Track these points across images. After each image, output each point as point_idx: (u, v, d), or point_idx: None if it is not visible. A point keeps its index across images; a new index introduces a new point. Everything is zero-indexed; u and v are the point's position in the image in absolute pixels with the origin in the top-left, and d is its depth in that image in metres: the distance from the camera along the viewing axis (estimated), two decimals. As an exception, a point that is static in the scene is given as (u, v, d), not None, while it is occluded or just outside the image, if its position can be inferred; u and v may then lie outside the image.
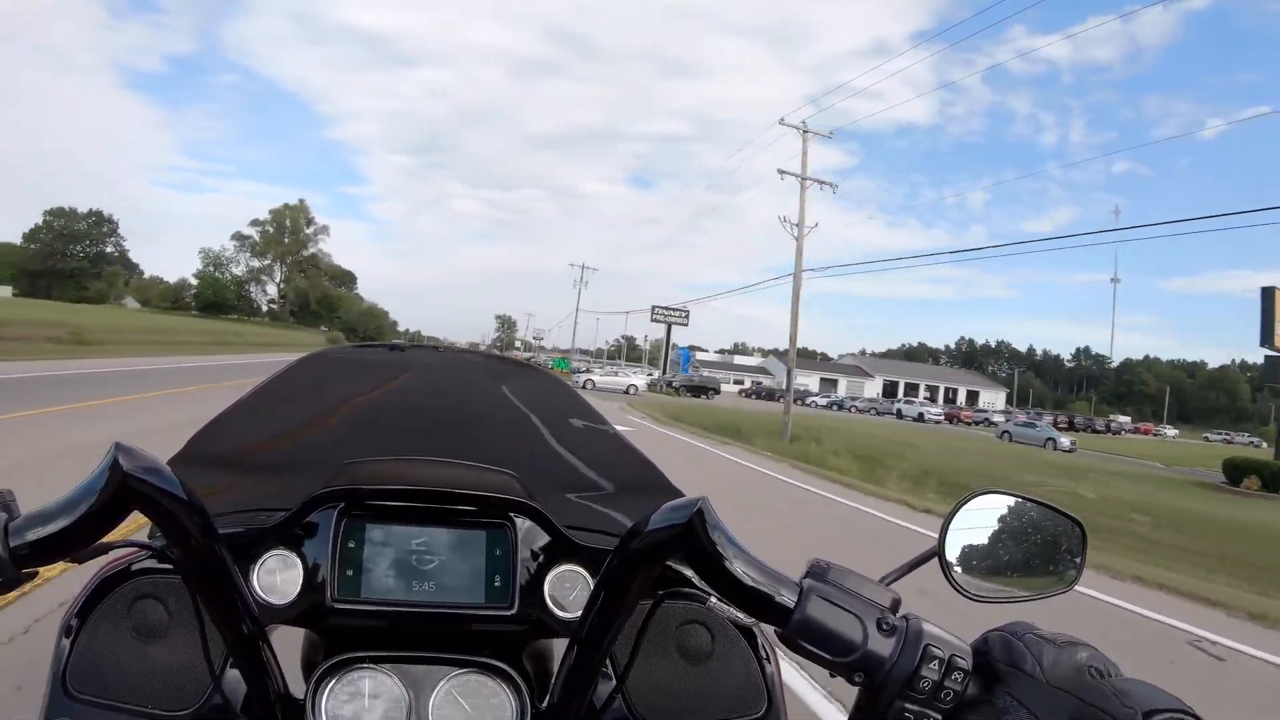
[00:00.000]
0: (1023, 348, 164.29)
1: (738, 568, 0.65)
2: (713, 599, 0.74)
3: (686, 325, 60.65)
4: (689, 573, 0.90)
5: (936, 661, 0.63)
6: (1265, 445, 46.85)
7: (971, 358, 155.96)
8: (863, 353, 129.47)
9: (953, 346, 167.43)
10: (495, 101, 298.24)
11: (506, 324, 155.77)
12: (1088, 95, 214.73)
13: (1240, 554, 10.99)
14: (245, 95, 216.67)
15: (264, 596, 0.85)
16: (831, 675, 0.66)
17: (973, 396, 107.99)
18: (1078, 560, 0.82)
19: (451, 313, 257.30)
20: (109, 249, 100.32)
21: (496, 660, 0.84)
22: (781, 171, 26.15)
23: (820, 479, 13.73)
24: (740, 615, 0.69)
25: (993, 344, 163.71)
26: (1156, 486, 23.95)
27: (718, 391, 58.64)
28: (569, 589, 0.92)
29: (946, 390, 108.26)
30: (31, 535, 0.59)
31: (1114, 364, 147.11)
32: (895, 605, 0.68)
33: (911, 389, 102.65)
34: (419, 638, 0.84)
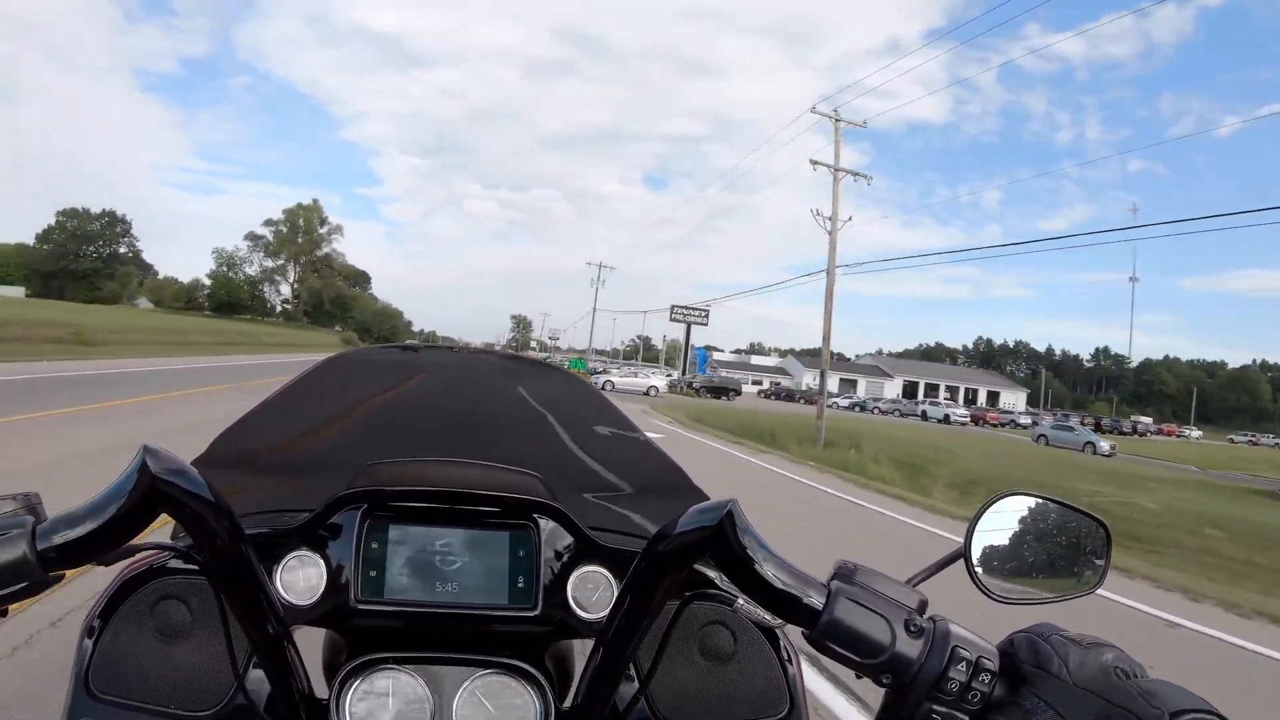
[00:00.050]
0: (1039, 346, 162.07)
1: (768, 571, 0.65)
2: (740, 601, 0.73)
3: (706, 325, 59.08)
4: (711, 573, 0.91)
5: (964, 663, 0.63)
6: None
7: (990, 358, 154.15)
8: (879, 352, 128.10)
9: (970, 346, 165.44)
10: (508, 102, 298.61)
11: (522, 324, 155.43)
12: (1103, 92, 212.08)
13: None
14: (259, 97, 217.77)
15: (287, 597, 0.84)
16: (858, 676, 0.67)
17: (993, 397, 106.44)
18: (1102, 561, 0.82)
19: (466, 313, 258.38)
20: (122, 249, 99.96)
21: (520, 661, 0.84)
22: (814, 162, 24.85)
23: (865, 490, 12.72)
24: (766, 616, 0.69)
25: (1010, 344, 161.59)
26: (1212, 494, 22.46)
27: (738, 393, 57.41)
28: (591, 590, 0.91)
29: (966, 391, 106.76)
30: (59, 538, 0.59)
31: (1133, 364, 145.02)
32: (922, 607, 0.68)
33: (931, 389, 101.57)
34: (441, 638, 0.84)
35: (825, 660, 0.66)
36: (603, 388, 41.35)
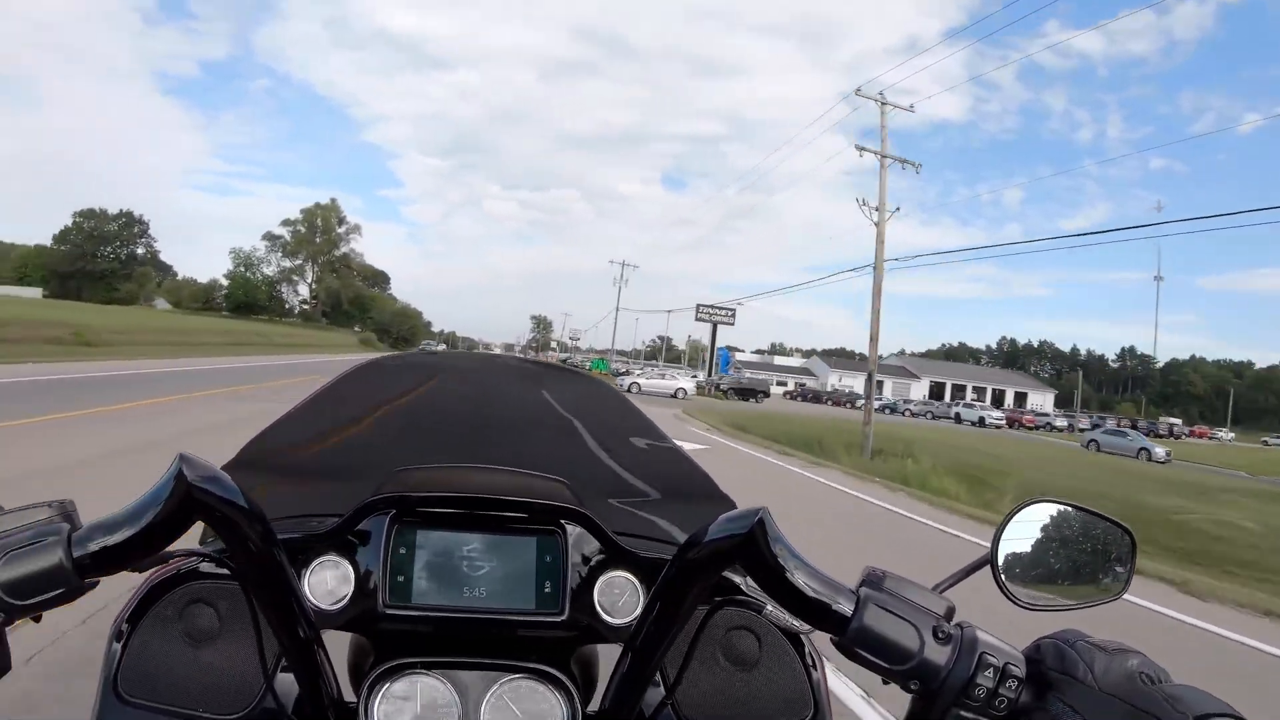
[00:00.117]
0: (1060, 346, 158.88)
1: (799, 579, 0.65)
2: (768, 607, 0.74)
3: (733, 324, 57.32)
4: (737, 578, 0.94)
5: (991, 669, 0.63)
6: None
7: (1014, 358, 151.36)
8: (901, 353, 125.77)
9: (994, 346, 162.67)
10: (527, 102, 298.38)
11: (542, 324, 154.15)
12: (1123, 89, 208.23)
13: None
14: (279, 100, 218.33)
15: (315, 601, 0.85)
16: (885, 682, 0.67)
17: (1020, 398, 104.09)
18: (1127, 568, 0.83)
19: (486, 313, 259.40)
20: (140, 250, 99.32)
21: (546, 666, 0.85)
22: (860, 148, 23.08)
23: (943, 511, 11.12)
24: (794, 622, 0.70)
25: (1035, 344, 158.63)
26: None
27: (766, 394, 55.27)
28: (618, 595, 0.92)
29: (994, 392, 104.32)
30: (95, 545, 0.60)
31: (1159, 364, 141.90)
32: (950, 613, 0.68)
33: (958, 390, 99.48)
34: (467, 643, 0.85)
35: (849, 664, 0.67)
36: (628, 390, 39.93)
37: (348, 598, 0.85)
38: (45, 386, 14.52)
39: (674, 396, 40.64)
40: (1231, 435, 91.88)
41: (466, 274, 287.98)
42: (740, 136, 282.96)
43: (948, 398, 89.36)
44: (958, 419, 61.25)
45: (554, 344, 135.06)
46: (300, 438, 1.17)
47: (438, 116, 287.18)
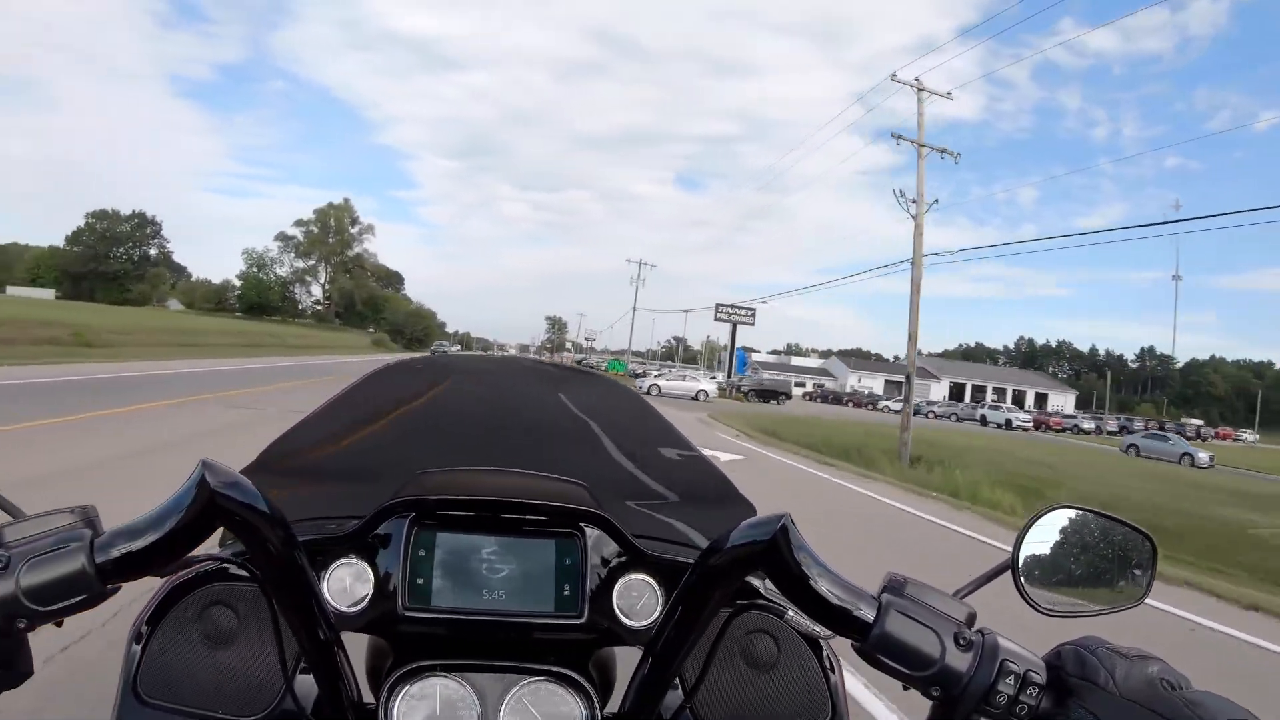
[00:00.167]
0: (1080, 346, 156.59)
1: (822, 586, 0.66)
2: (790, 612, 0.75)
3: (753, 324, 55.95)
4: (756, 582, 0.94)
5: (1012, 676, 0.64)
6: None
7: (1032, 358, 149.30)
8: (919, 353, 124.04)
9: (1011, 347, 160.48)
10: (541, 103, 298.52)
11: (557, 325, 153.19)
12: (1140, 87, 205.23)
13: None
14: (293, 102, 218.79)
15: (335, 604, 0.86)
16: (905, 688, 0.67)
17: (1041, 399, 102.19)
18: (1148, 574, 0.83)
19: (501, 315, 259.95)
20: (152, 251, 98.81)
21: (565, 668, 0.85)
22: (898, 137, 21.75)
23: (998, 525, 10.11)
24: (815, 627, 0.70)
25: (1053, 344, 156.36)
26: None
27: (788, 396, 53.92)
28: (636, 598, 0.92)
29: (1014, 393, 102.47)
30: (117, 551, 0.61)
31: (1179, 364, 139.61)
32: (971, 620, 0.68)
33: (978, 391, 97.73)
34: (486, 645, 0.86)
35: (867, 668, 0.67)
36: (647, 392, 38.05)
37: (367, 600, 0.86)
38: (14, 392, 13.11)
39: (695, 399, 39.27)
40: (1255, 437, 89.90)
41: (481, 275, 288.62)
42: (755, 137, 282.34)
43: (967, 398, 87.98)
44: (983, 421, 59.54)
45: (569, 345, 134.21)
46: (319, 440, 1.15)
47: (452, 118, 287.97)
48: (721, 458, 13.57)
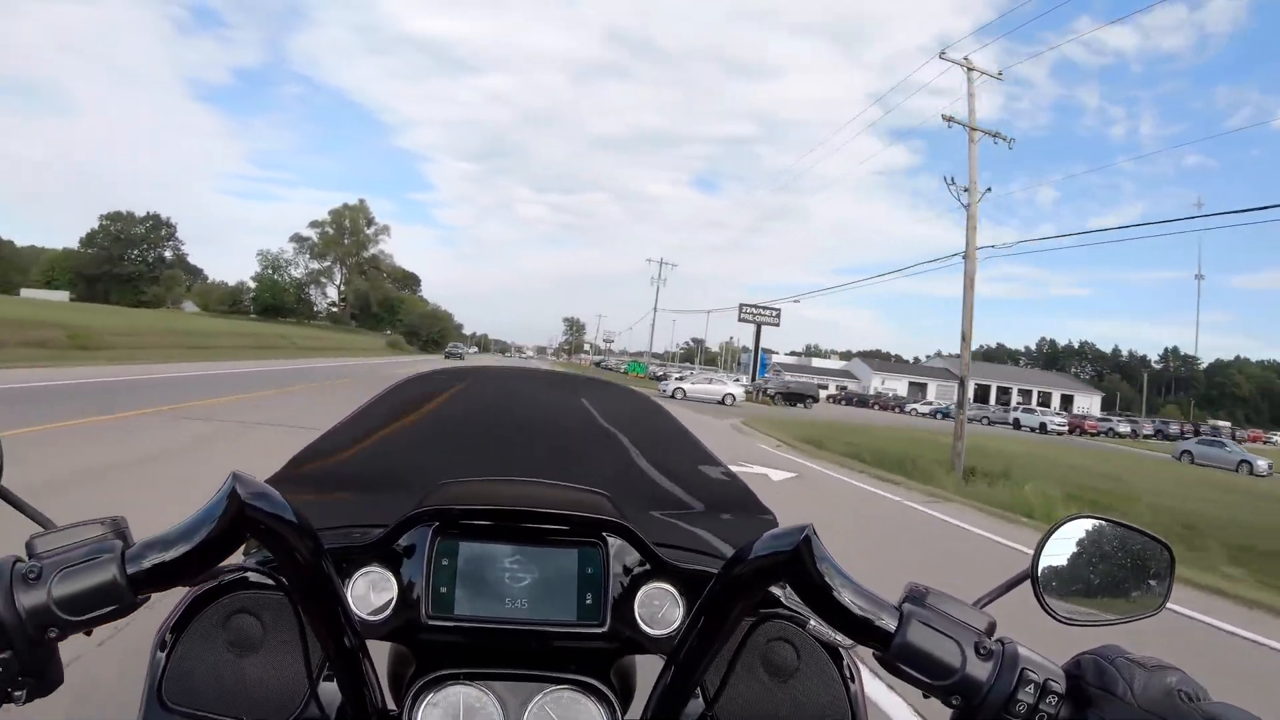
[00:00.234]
0: (1100, 346, 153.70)
1: (845, 597, 0.66)
2: (812, 622, 0.76)
3: (778, 325, 54.11)
4: (777, 590, 0.94)
5: (1032, 685, 0.64)
6: None
7: (1054, 359, 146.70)
8: (938, 354, 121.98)
9: (1032, 348, 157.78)
10: (557, 106, 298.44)
11: (574, 327, 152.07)
12: (1158, 85, 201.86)
13: None
14: (310, 106, 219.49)
15: (358, 612, 0.86)
16: (925, 696, 0.68)
17: (1066, 400, 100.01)
18: (1166, 583, 0.83)
19: (518, 317, 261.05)
20: (167, 254, 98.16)
21: (587, 677, 0.86)
22: (948, 119, 20.12)
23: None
24: (837, 636, 0.70)
25: (1074, 344, 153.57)
26: None
27: (815, 399, 52.04)
28: (658, 606, 0.93)
29: (1039, 394, 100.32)
30: (148, 562, 0.62)
31: (1203, 365, 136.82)
32: (991, 629, 0.69)
33: (1002, 393, 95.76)
34: (508, 654, 0.87)
35: (887, 675, 0.68)
36: (672, 396, 36.67)
37: (390, 608, 0.87)
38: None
39: (721, 403, 37.37)
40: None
41: (498, 277, 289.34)
42: (772, 138, 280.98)
43: (992, 400, 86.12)
44: (1016, 425, 57.84)
45: (587, 346, 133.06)
46: (345, 449, 1.16)
47: (469, 121, 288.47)
48: (773, 476, 12.14)
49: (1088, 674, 0.65)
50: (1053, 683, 0.64)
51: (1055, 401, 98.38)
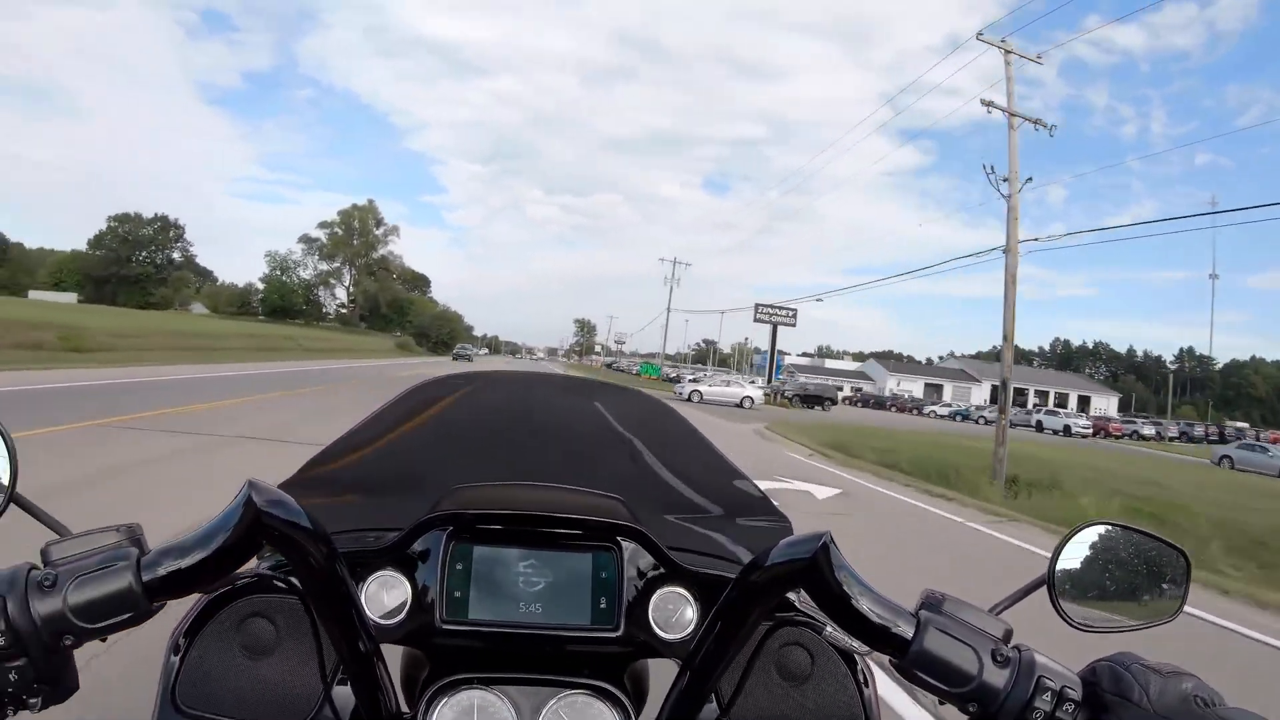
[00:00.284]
0: (1115, 346, 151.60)
1: (863, 604, 0.66)
2: (828, 629, 0.76)
3: (794, 326, 52.71)
4: (792, 596, 0.93)
5: (1049, 692, 0.64)
6: None
7: (1068, 359, 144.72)
8: (950, 354, 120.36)
9: (1046, 348, 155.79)
10: (568, 107, 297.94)
11: (585, 328, 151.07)
12: (1167, 84, 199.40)
13: None
14: (321, 108, 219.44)
15: (373, 616, 0.86)
16: (941, 703, 0.68)
17: (1084, 401, 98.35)
18: (1182, 590, 0.83)
19: (529, 318, 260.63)
20: (175, 255, 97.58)
21: (601, 681, 0.86)
22: (987, 104, 18.84)
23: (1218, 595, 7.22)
24: (853, 643, 0.70)
25: (1089, 345, 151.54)
26: None
27: (834, 401, 50.78)
28: (672, 611, 0.93)
29: (1056, 395, 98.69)
30: (164, 569, 0.62)
31: (1219, 365, 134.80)
32: (1007, 636, 0.69)
33: (1019, 394, 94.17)
34: (522, 658, 0.87)
35: (900, 681, 0.68)
36: (688, 399, 35.26)
37: (404, 612, 0.87)
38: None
39: (739, 405, 36.07)
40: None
41: (509, 278, 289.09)
42: (781, 139, 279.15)
43: (1010, 401, 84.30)
44: (1039, 427, 56.05)
45: (598, 348, 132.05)
46: (358, 453, 1.16)
47: (479, 123, 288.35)
48: (817, 494, 10.89)
49: (1104, 680, 0.65)
50: (1069, 690, 0.65)
51: (1072, 402, 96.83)
